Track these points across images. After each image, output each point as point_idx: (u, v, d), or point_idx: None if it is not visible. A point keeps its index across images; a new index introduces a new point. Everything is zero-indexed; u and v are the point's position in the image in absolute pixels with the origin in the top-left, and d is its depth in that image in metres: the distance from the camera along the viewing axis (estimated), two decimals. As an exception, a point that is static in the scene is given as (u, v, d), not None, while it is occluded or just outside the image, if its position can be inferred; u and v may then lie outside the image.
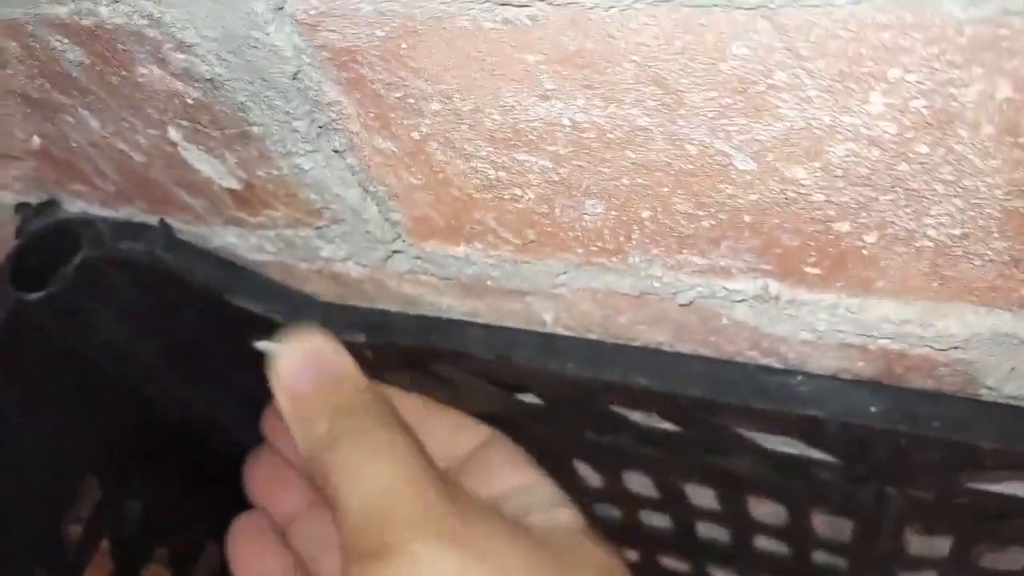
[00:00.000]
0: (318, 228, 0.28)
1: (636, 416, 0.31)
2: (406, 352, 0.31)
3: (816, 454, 0.30)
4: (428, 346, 0.30)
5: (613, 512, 0.42)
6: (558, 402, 0.31)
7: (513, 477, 0.32)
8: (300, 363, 0.30)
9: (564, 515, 0.30)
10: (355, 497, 0.26)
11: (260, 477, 0.34)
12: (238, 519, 0.34)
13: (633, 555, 0.47)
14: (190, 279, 0.31)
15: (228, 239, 0.31)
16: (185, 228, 0.31)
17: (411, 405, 0.32)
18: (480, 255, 0.27)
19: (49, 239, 0.32)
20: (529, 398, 0.32)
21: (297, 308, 0.32)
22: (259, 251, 0.31)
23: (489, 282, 0.28)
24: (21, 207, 0.33)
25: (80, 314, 0.33)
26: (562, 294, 0.28)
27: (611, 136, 0.20)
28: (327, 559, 0.33)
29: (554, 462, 0.37)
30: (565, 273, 0.26)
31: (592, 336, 0.29)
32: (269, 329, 0.32)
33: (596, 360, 0.28)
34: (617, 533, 0.44)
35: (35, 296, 0.31)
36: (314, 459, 0.28)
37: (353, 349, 0.32)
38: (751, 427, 0.29)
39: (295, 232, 0.29)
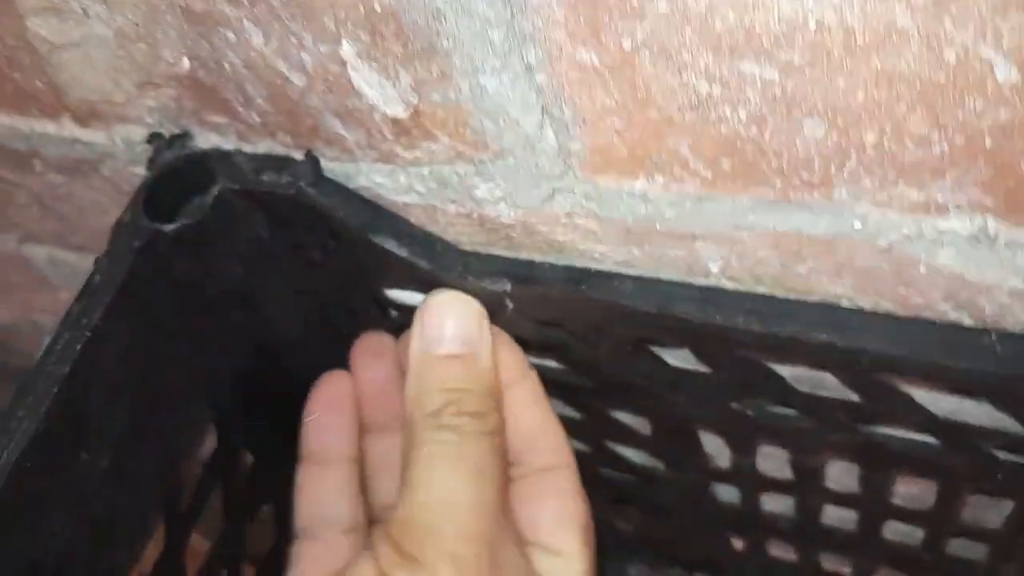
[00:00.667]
0: (479, 163, 0.27)
1: (802, 383, 0.30)
2: (552, 303, 0.30)
3: (990, 424, 0.29)
4: (578, 295, 0.29)
5: (730, 495, 0.41)
6: (716, 364, 0.29)
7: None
8: (446, 326, 0.29)
9: None
10: (422, 494, 0.26)
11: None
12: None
13: (739, 544, 0.45)
14: (334, 217, 0.30)
15: (374, 178, 0.30)
16: (327, 167, 0.30)
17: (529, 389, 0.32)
18: (659, 191, 0.25)
19: (183, 171, 0.31)
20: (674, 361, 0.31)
21: (441, 255, 0.31)
22: (407, 192, 0.30)
23: (659, 224, 0.27)
24: (154, 137, 0.32)
25: (211, 251, 0.32)
26: (741, 238, 0.26)
27: (859, 40, 0.19)
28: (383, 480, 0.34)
29: (682, 437, 0.36)
30: (753, 212, 0.25)
31: (760, 290, 0.28)
32: (410, 278, 0.31)
33: (769, 314, 0.27)
34: (730, 517, 0.42)
35: (170, 227, 0.30)
36: (412, 422, 0.28)
37: (494, 298, 0.30)
38: (935, 387, 0.27)
39: (452, 169, 0.28)
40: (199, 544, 0.36)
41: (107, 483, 0.30)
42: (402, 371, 0.33)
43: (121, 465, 0.30)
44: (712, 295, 0.28)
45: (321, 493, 0.34)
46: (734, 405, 0.32)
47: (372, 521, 0.36)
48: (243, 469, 0.36)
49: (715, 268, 0.28)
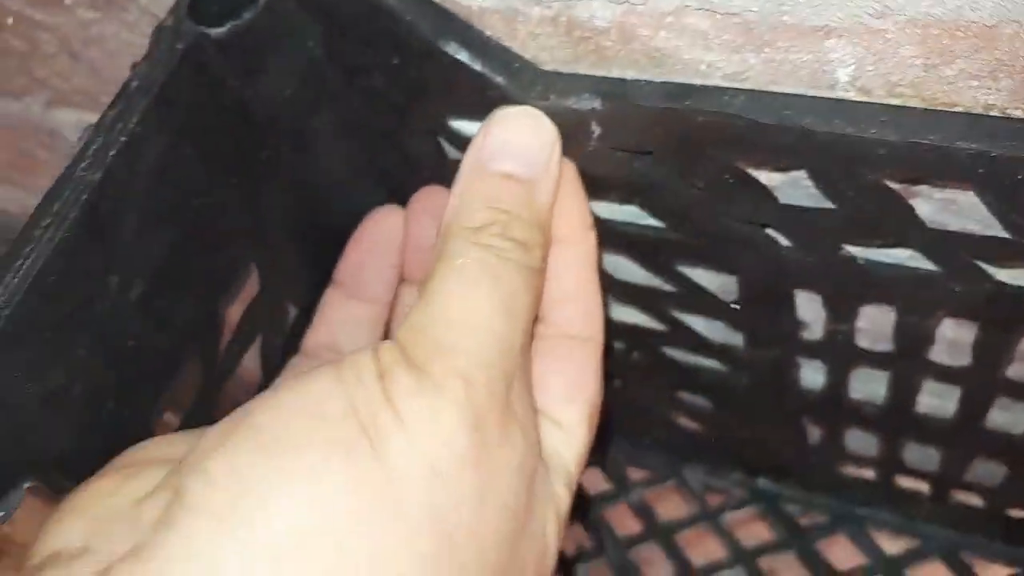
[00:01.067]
0: (576, -57, 0.23)
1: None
2: (647, 124, 0.26)
3: None
4: (679, 112, 0.25)
5: (813, 378, 0.37)
6: (838, 192, 0.26)
7: None
8: (510, 142, 0.26)
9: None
10: (443, 306, 0.23)
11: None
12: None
13: (815, 436, 0.42)
14: (401, 20, 0.26)
15: (448, -26, 0.26)
16: (394, -36, 0.26)
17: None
18: (797, -35, 0.21)
19: (231, -26, 0.28)
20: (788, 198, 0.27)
21: (520, 71, 0.27)
22: (491, -8, 0.26)
23: (787, 16, 0.23)
24: (198, -63, 0.28)
25: (260, 66, 0.28)
26: (883, 30, 0.22)
27: None
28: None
29: (776, 299, 0.32)
30: (907, -11, 0.21)
31: (895, 103, 0.24)
32: (481, 101, 0.28)
33: (908, 125, 0.23)
34: (810, 404, 0.39)
35: (217, 31, 0.27)
36: (446, 235, 0.25)
37: (579, 120, 0.27)
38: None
39: (543, -47, 0.24)
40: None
41: (137, 314, 0.27)
42: None
43: (154, 297, 0.27)
44: (841, 106, 0.24)
45: (341, 323, 0.33)
46: (846, 250, 0.28)
47: None
48: (286, 324, 0.33)
49: (845, 76, 0.24)
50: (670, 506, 0.50)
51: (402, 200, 0.34)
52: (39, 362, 0.24)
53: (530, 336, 0.26)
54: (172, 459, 0.23)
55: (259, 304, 0.31)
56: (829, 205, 0.27)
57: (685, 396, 0.43)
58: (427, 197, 0.33)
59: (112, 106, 0.26)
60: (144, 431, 0.28)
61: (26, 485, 0.24)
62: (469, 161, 0.26)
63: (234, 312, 0.31)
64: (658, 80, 0.26)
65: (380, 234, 0.33)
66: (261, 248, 0.31)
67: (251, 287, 0.31)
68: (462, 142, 0.30)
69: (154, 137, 0.26)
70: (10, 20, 0.39)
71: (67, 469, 0.25)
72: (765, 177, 0.28)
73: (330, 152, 0.32)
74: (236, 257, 0.30)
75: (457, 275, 0.24)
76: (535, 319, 0.28)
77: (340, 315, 0.33)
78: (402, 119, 0.31)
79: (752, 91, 0.25)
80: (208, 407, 0.30)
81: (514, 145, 0.26)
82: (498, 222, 0.25)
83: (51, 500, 0.24)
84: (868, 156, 0.24)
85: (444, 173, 0.31)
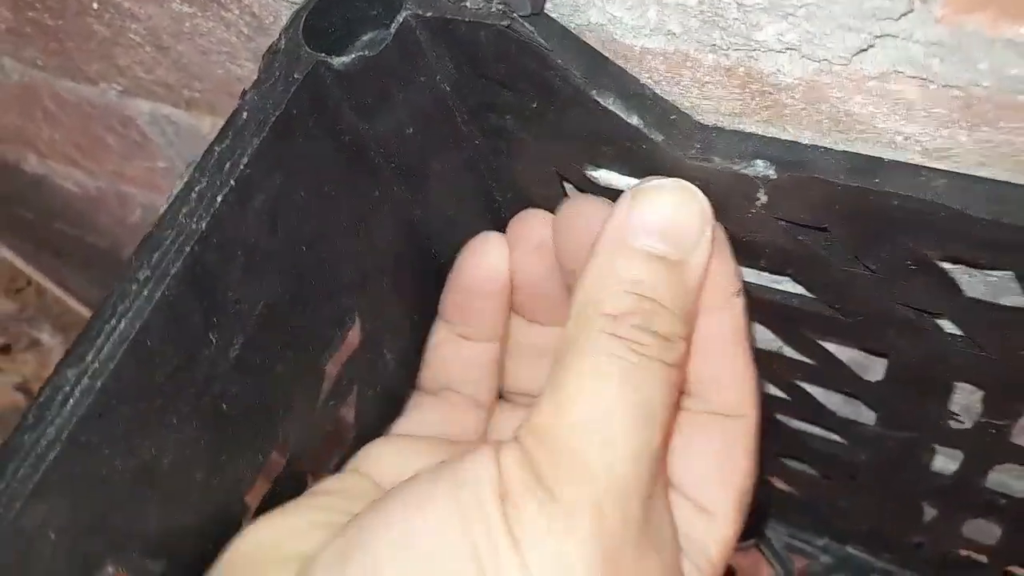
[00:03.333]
0: (778, -7, 0.20)
1: None
2: (825, 198, 0.23)
3: None
4: (866, 190, 0.22)
5: (946, 462, 0.34)
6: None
7: None
8: (658, 216, 0.23)
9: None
10: (576, 413, 0.21)
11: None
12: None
13: (929, 517, 0.39)
14: (551, 63, 0.23)
15: (611, 10, 0.23)
16: (548, -6, 0.23)
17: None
18: (1060, 41, 0.18)
19: (357, -7, 0.24)
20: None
21: (678, 126, 0.24)
22: (653, 32, 0.23)
23: (1022, 95, 0.19)
24: (320, -50, 0.25)
25: (384, 100, 0.25)
26: None
27: None
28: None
29: (929, 388, 0.29)
30: None
31: None
32: (629, 153, 0.25)
33: None
34: (935, 488, 0.35)
35: (340, 60, 0.24)
36: (581, 316, 0.22)
37: (744, 187, 0.23)
38: None
39: None
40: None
41: (234, 377, 0.24)
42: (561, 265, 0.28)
43: (253, 357, 0.24)
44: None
45: (455, 361, 0.31)
46: (1029, 352, 0.25)
47: (503, 397, 0.33)
48: (383, 375, 0.30)
49: (1081, 166, 0.20)
50: (747, 563, 0.47)
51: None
52: (130, 435, 0.21)
53: (668, 435, 0.24)
54: (288, 558, 0.21)
55: (358, 356, 0.28)
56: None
57: (788, 461, 0.40)
58: (527, 223, 0.29)
59: (219, 140, 0.23)
60: (234, 502, 0.25)
61: (109, 569, 0.22)
62: (610, 232, 0.23)
63: (332, 364, 0.28)
64: (840, 149, 0.23)
65: (484, 268, 0.30)
66: (365, 296, 0.28)
67: (351, 338, 0.28)
68: (596, 191, 0.27)
69: (267, 178, 0.23)
70: (95, 5, 0.36)
71: (153, 550, 0.23)
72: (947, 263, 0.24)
73: (444, 191, 0.29)
74: (341, 307, 0.27)
75: (590, 376, 0.21)
76: (679, 394, 0.25)
77: (452, 354, 0.31)
78: (529, 161, 0.27)
79: (954, 174, 0.22)
80: (299, 469, 0.28)
81: (664, 221, 0.23)
82: (640, 312, 0.22)
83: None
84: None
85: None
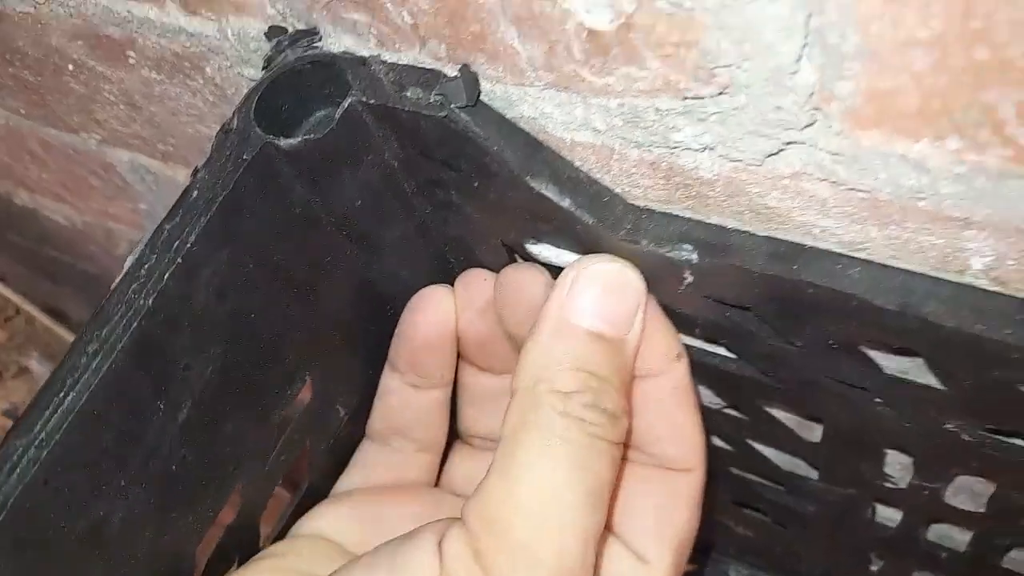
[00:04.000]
0: (692, 99, 0.21)
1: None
2: (748, 283, 0.24)
3: None
4: (785, 277, 0.23)
5: (890, 516, 0.35)
6: (957, 382, 0.23)
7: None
8: (598, 301, 0.24)
9: None
10: (525, 495, 0.21)
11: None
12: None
13: (877, 567, 0.40)
14: (487, 150, 0.24)
15: (542, 107, 0.24)
16: (484, 88, 0.24)
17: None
18: (946, 160, 0.19)
19: (306, 76, 0.26)
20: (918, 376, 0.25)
21: (609, 208, 0.25)
22: (580, 128, 0.24)
23: (925, 202, 0.20)
24: (274, 32, 0.26)
25: (332, 178, 0.26)
26: (1035, 232, 0.20)
27: None
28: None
29: (862, 452, 0.30)
30: (1073, 201, 0.18)
31: (1031, 298, 0.22)
32: (565, 233, 0.26)
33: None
34: (881, 540, 0.36)
35: (287, 142, 0.25)
36: (531, 393, 0.22)
37: (670, 269, 0.24)
38: None
39: (652, 103, 0.22)
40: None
41: (183, 440, 0.25)
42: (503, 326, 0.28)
43: (201, 420, 0.25)
44: (971, 295, 0.21)
45: (404, 409, 0.31)
46: (950, 426, 0.26)
47: (461, 439, 0.34)
48: (335, 427, 0.31)
49: (979, 265, 0.21)
50: (712, 605, 0.47)
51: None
52: (78, 499, 0.23)
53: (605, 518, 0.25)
54: None
55: (310, 412, 0.30)
56: (942, 387, 0.24)
57: (743, 511, 0.41)
58: (471, 283, 0.30)
59: (168, 218, 0.24)
60: (185, 557, 0.26)
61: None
62: (552, 314, 0.24)
63: (283, 420, 0.29)
64: (762, 234, 0.24)
65: (430, 320, 0.30)
66: (316, 355, 0.29)
67: (302, 394, 0.29)
68: (537, 262, 0.28)
69: (214, 253, 0.24)
70: (71, 67, 0.37)
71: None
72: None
73: (398, 255, 0.30)
74: (291, 368, 0.28)
75: (542, 457, 0.21)
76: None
77: (401, 402, 0.31)
78: (476, 232, 0.29)
79: (868, 262, 0.23)
80: (252, 521, 0.29)
81: (602, 304, 0.24)
82: (589, 389, 0.23)
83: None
84: (999, 357, 0.21)
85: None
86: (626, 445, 0.27)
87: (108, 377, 0.22)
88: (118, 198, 0.49)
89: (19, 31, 0.37)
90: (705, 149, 0.22)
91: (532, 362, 0.23)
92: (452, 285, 0.31)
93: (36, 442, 0.22)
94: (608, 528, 0.27)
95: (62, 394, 0.22)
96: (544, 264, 0.28)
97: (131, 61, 0.34)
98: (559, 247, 0.27)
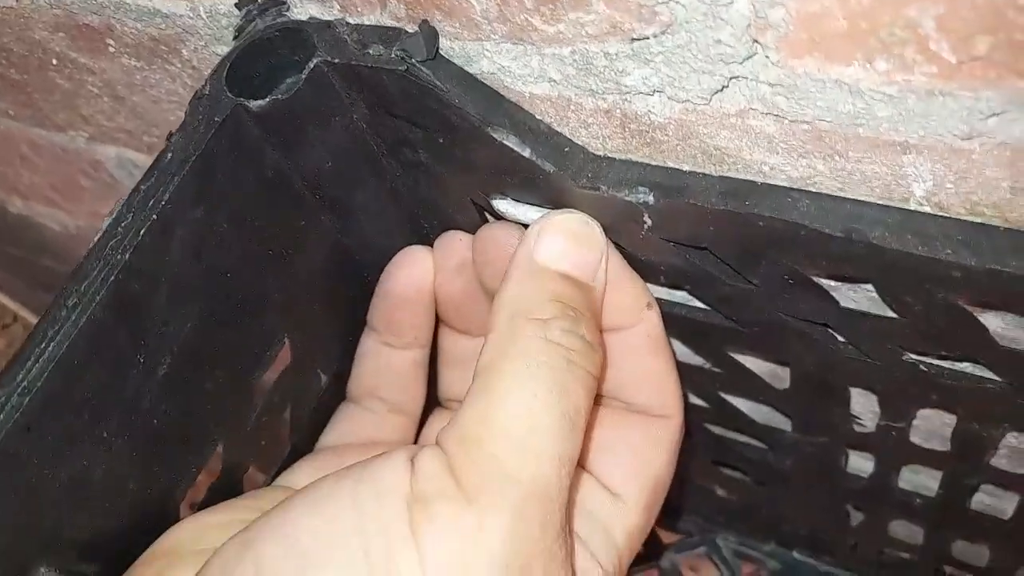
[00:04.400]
0: (638, 41, 0.22)
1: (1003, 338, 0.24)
2: (703, 221, 0.25)
3: None
4: (738, 212, 0.24)
5: (862, 465, 0.36)
6: (906, 307, 0.24)
7: None
8: (565, 247, 0.25)
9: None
10: (503, 416, 0.21)
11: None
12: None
13: (857, 520, 0.40)
14: (449, 103, 0.25)
15: (499, 61, 0.25)
16: (443, 46, 0.25)
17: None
18: (877, 81, 0.20)
19: (275, 43, 0.27)
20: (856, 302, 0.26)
21: (569, 157, 0.26)
22: (537, 79, 0.25)
23: (864, 128, 0.21)
24: (243, 3, 0.27)
25: (301, 138, 0.27)
26: (968, 151, 0.21)
27: None
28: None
29: (829, 393, 0.30)
30: (997, 115, 0.19)
31: (975, 220, 0.22)
32: (528, 184, 0.26)
33: (989, 248, 0.21)
34: (856, 491, 0.37)
35: (257, 104, 0.26)
36: (510, 323, 0.23)
37: (629, 212, 0.25)
38: None
39: (601, 48, 0.23)
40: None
41: (163, 395, 0.26)
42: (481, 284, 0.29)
43: (181, 376, 0.26)
44: (914, 220, 0.22)
45: (380, 369, 0.32)
46: (908, 358, 0.27)
47: (440, 404, 0.34)
48: (316, 392, 0.32)
49: (920, 191, 0.22)
50: (701, 573, 0.48)
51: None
52: (61, 446, 0.23)
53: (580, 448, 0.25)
54: (205, 551, 0.22)
55: (289, 374, 0.30)
56: (893, 315, 0.25)
57: (724, 469, 0.42)
58: (448, 244, 0.31)
59: (144, 179, 0.25)
60: (169, 511, 0.27)
61: (42, 570, 0.24)
62: (523, 259, 0.25)
63: (263, 382, 0.30)
64: (716, 175, 0.25)
65: (409, 278, 0.31)
66: (293, 317, 0.30)
67: (282, 357, 0.30)
68: (505, 219, 0.29)
69: (188, 212, 0.25)
70: (54, 61, 0.38)
71: (87, 554, 0.24)
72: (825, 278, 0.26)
73: (371, 218, 0.31)
74: (269, 329, 0.29)
75: (520, 380, 0.22)
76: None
77: (378, 362, 0.32)
78: (445, 191, 0.29)
79: (818, 195, 0.24)
80: (235, 480, 0.30)
81: (569, 249, 0.25)
82: (567, 316, 0.23)
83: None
84: (942, 277, 0.22)
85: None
86: (603, 394, 0.28)
87: (87, 328, 0.23)
88: (108, 197, 0.50)
89: (3, 27, 0.39)
90: (654, 92, 0.23)
91: (508, 300, 0.24)
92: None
93: (19, 390, 0.22)
94: (584, 466, 0.27)
95: (43, 344, 0.23)
96: (513, 222, 0.28)
97: (111, 49, 0.35)
98: (524, 202, 0.28)
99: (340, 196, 0.29)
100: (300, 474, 0.29)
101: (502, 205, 0.28)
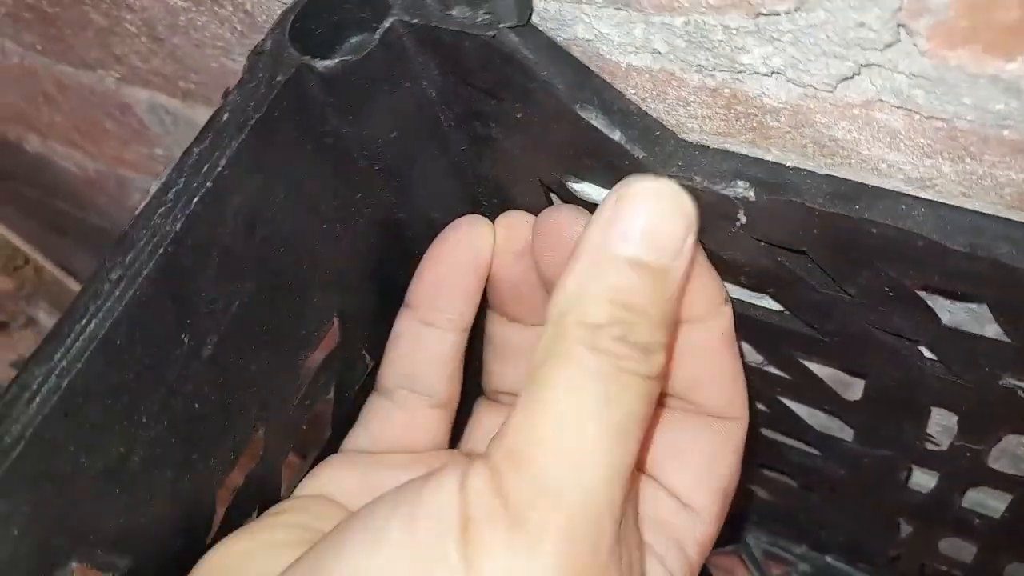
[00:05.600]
0: (766, 16, 0.20)
1: None
2: (805, 222, 0.23)
3: None
4: (846, 216, 0.22)
5: (925, 480, 0.34)
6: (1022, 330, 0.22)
7: None
8: (641, 223, 0.22)
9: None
10: (549, 430, 0.20)
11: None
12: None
13: (906, 533, 0.39)
14: (536, 75, 0.23)
15: (599, 27, 0.23)
16: (538, 7, 0.23)
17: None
18: (1042, 80, 0.18)
19: (343, -2, 0.24)
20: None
21: (661, 143, 0.24)
22: (639, 50, 0.22)
23: (1008, 131, 0.19)
24: (310, -51, 0.25)
25: (368, 104, 0.25)
26: None
27: None
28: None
29: (906, 411, 0.29)
30: None
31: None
32: (611, 168, 0.24)
33: None
34: (912, 505, 0.35)
35: (324, 64, 0.23)
36: (560, 325, 0.21)
37: (723, 207, 0.23)
38: None
39: (721, 20, 0.20)
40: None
41: (207, 377, 0.24)
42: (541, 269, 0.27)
43: (226, 356, 0.24)
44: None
45: (417, 353, 0.29)
46: (1006, 381, 0.25)
47: (488, 397, 0.32)
48: (360, 374, 0.30)
49: (1057, 203, 0.20)
50: (732, 572, 0.47)
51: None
52: (98, 433, 0.21)
53: (645, 448, 0.23)
54: None
55: (337, 356, 0.28)
56: (1003, 337, 0.23)
57: (767, 471, 0.40)
58: (510, 225, 0.28)
59: (198, 141, 0.23)
60: (205, 500, 0.25)
61: (73, 564, 0.22)
62: (591, 239, 0.22)
63: (309, 364, 0.28)
64: (823, 172, 0.23)
65: (469, 248, 0.28)
66: (343, 295, 0.28)
67: (329, 338, 0.28)
68: (579, 202, 0.27)
69: (245, 180, 0.23)
70: (92, -6, 0.36)
71: (120, 546, 0.23)
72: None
73: (429, 194, 0.29)
74: (318, 307, 0.27)
75: (568, 391, 0.20)
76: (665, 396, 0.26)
77: (416, 347, 0.29)
78: (513, 169, 0.27)
79: (933, 203, 0.21)
80: (274, 468, 0.28)
81: (646, 227, 0.22)
82: (621, 322, 0.21)
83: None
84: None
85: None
86: (668, 393, 0.26)
87: (132, 305, 0.21)
88: (133, 142, 0.48)
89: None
90: (773, 73, 0.21)
91: (564, 293, 0.22)
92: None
93: (57, 371, 0.20)
94: (649, 472, 0.26)
95: (84, 321, 0.21)
96: (586, 205, 0.26)
97: (157, -13, 0.33)
98: (604, 186, 0.26)
99: (399, 168, 0.27)
100: (331, 479, 0.27)
101: (578, 187, 0.26)
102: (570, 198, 0.27)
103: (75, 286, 0.64)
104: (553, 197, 0.28)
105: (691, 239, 0.23)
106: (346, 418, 0.30)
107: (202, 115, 0.41)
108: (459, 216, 0.30)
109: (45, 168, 0.60)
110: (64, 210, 0.65)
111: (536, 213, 0.28)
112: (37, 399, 0.20)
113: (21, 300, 0.61)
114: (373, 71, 0.24)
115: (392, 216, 0.29)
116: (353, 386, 0.30)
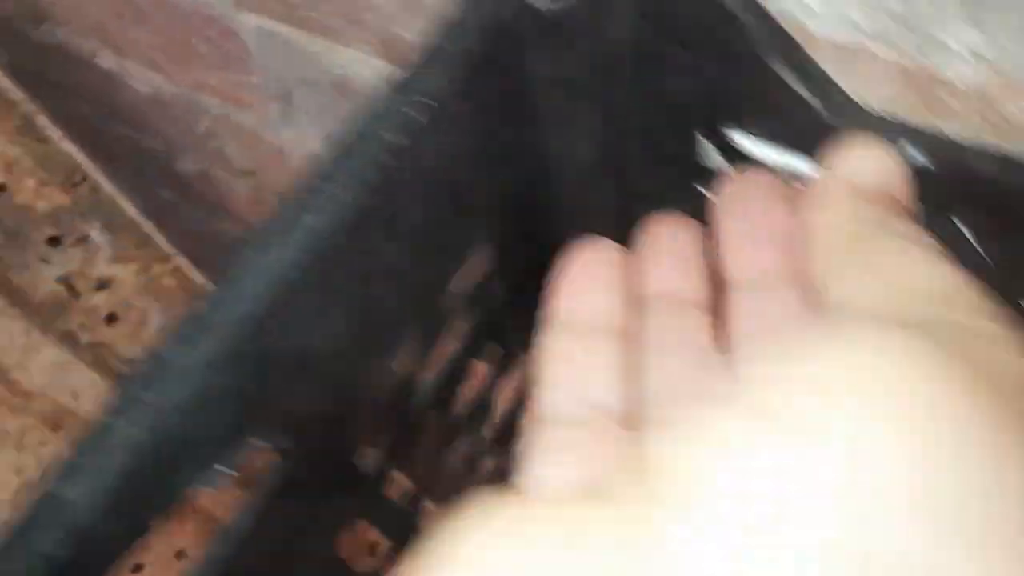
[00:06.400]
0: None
1: None
2: (975, 194, 0.24)
3: None
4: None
5: None
6: None
7: None
8: (873, 167, 0.22)
9: None
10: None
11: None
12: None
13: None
14: (732, 24, 0.24)
15: (806, 0, 0.24)
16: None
17: None
18: None
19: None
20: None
21: (839, 104, 0.25)
22: (839, 23, 0.24)
23: None
24: None
25: (571, 41, 0.26)
26: None
27: None
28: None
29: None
30: None
31: None
32: (785, 123, 0.26)
33: None
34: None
35: (547, 5, 0.25)
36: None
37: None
38: None
39: (934, 2, 0.22)
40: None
41: (385, 281, 0.25)
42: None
43: (401, 265, 0.26)
44: None
45: (581, 367, 0.22)
46: None
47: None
48: (494, 302, 0.31)
49: None
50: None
51: (627, 198, 0.32)
52: (295, 322, 0.23)
53: None
54: None
55: (480, 283, 0.30)
56: None
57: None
58: (667, 228, 0.24)
59: (416, 67, 0.24)
60: (363, 395, 0.27)
61: (250, 440, 0.23)
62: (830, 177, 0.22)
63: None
64: (998, 154, 0.24)
65: (594, 262, 0.23)
66: (494, 229, 0.29)
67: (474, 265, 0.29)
68: (734, 154, 0.28)
69: (454, 106, 0.24)
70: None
71: (286, 428, 0.24)
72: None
73: (582, 134, 0.30)
74: (474, 231, 0.29)
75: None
76: None
77: (578, 360, 0.22)
78: (674, 119, 0.28)
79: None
80: (411, 385, 0.29)
81: (877, 170, 0.21)
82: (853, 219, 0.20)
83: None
84: None
85: (689, 178, 0.29)
86: None
87: (347, 206, 0.22)
88: (225, 69, 0.48)
89: None
90: (977, 58, 0.22)
91: (824, 224, 0.20)
92: (626, 194, 0.30)
93: (272, 263, 0.21)
94: None
95: (303, 213, 0.22)
96: (741, 157, 0.27)
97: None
98: (773, 141, 0.27)
99: (569, 108, 0.28)
100: None
101: (741, 140, 0.27)
102: (727, 149, 0.28)
103: (129, 208, 0.64)
104: (710, 149, 0.29)
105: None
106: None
107: (320, 46, 0.41)
108: (601, 168, 0.31)
109: (111, 85, 0.60)
110: (120, 132, 0.65)
111: (678, 167, 0.29)
112: (253, 285, 0.21)
113: (76, 217, 0.61)
114: (584, 15, 0.25)
115: (545, 153, 0.30)
116: (486, 322, 0.31)
